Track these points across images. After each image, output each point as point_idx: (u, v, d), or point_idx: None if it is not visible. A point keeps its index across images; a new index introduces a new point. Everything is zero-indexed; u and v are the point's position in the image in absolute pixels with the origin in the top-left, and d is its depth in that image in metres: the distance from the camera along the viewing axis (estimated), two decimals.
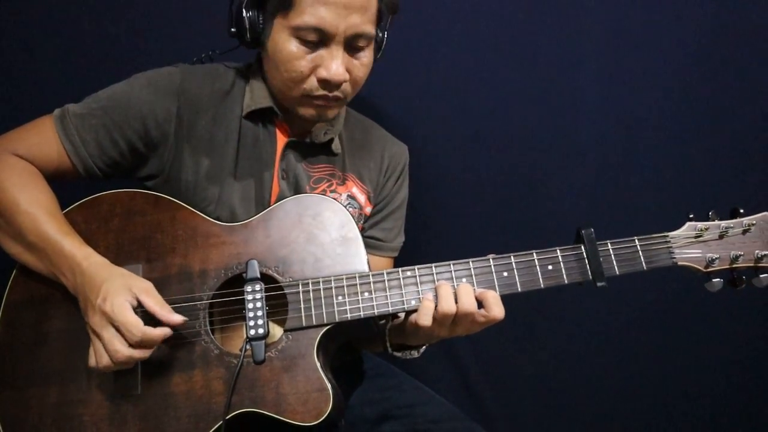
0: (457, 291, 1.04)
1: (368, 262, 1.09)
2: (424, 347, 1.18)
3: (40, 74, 1.49)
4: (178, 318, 1.02)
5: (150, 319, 1.01)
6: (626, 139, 1.66)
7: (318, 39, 1.06)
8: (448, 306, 1.03)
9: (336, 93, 1.11)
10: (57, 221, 1.07)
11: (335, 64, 1.07)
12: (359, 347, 1.34)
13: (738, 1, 1.59)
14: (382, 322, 1.16)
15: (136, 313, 0.99)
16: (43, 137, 1.13)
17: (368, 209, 1.28)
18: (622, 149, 1.66)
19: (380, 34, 1.15)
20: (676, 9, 1.60)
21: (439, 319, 1.04)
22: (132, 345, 0.98)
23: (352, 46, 1.09)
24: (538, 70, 1.62)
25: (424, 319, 1.04)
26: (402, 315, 1.13)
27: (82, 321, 1.05)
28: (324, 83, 1.09)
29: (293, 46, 1.07)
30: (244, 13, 1.09)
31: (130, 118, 1.13)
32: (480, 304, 1.04)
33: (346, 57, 1.09)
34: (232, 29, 1.12)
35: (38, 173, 1.13)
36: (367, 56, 1.12)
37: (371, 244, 1.29)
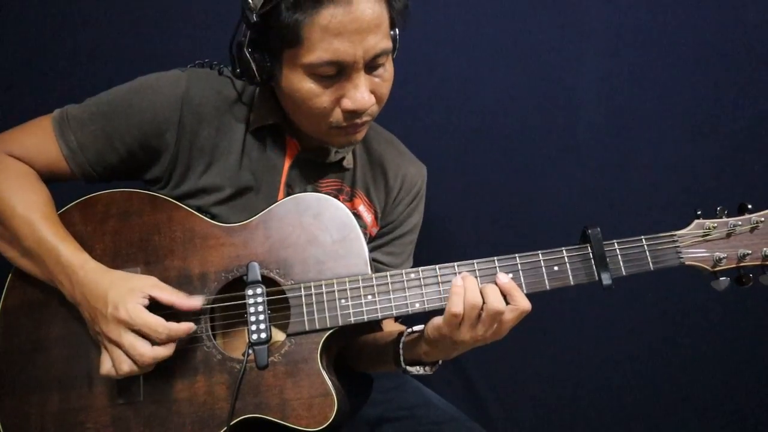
0: (482, 290, 0.97)
1: (371, 263, 1.07)
2: (437, 364, 1.10)
3: (40, 74, 1.47)
4: (197, 301, 1.02)
5: (162, 314, 1.00)
6: (629, 136, 1.64)
7: (336, 71, 0.98)
8: (474, 297, 0.96)
9: (364, 118, 1.04)
10: (53, 226, 1.05)
11: (360, 94, 0.99)
12: (367, 370, 1.28)
13: (738, 1, 1.57)
14: (397, 337, 1.10)
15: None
16: (41, 139, 1.10)
17: (374, 229, 1.22)
18: (624, 147, 1.65)
19: (393, 34, 1.05)
20: (676, 7, 1.58)
21: (465, 312, 0.96)
22: (157, 344, 0.98)
23: (371, 66, 1.00)
24: (541, 70, 1.60)
25: (456, 305, 0.96)
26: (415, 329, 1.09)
27: (82, 326, 1.05)
28: (351, 113, 1.02)
29: (310, 84, 0.99)
30: (247, 55, 1.00)
31: (131, 125, 1.08)
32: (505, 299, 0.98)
33: (368, 79, 1.01)
34: (237, 71, 1.03)
35: (34, 174, 1.10)
36: (388, 70, 1.04)
37: (375, 267, 1.22)
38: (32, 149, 1.10)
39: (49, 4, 1.45)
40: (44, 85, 1.45)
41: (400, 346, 1.09)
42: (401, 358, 1.09)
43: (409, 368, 1.10)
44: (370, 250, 1.23)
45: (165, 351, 0.99)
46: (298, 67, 0.99)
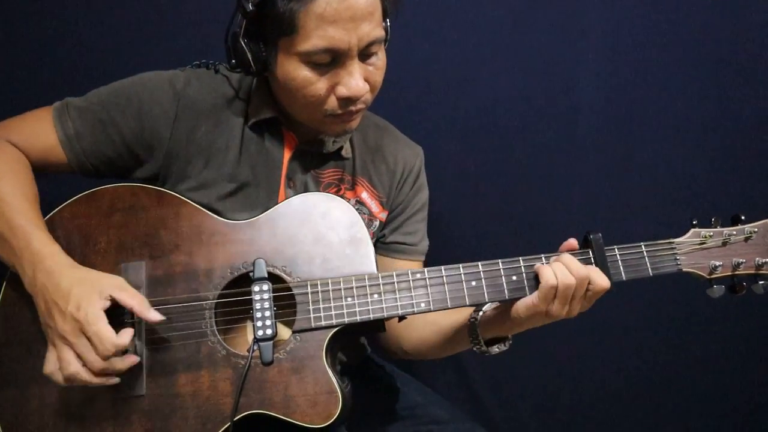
0: (562, 261, 1.01)
1: (377, 264, 1.08)
2: (511, 339, 1.12)
3: (40, 74, 1.46)
4: (156, 316, 0.99)
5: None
6: (629, 137, 1.67)
7: (331, 59, 1.01)
8: (567, 278, 0.99)
9: (359, 105, 1.07)
10: (31, 212, 1.03)
11: (354, 81, 1.02)
12: (433, 357, 1.27)
13: (738, 1, 1.60)
14: (472, 319, 1.10)
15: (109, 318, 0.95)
16: (40, 127, 1.11)
17: (382, 215, 1.24)
18: (623, 147, 1.67)
19: (385, 25, 1.08)
20: (676, 7, 1.60)
21: (559, 294, 1.00)
22: (103, 358, 0.94)
23: (365, 54, 1.03)
24: (542, 71, 1.61)
25: (550, 279, 1.00)
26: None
27: None
28: (345, 101, 1.05)
29: (305, 71, 1.01)
30: (243, 45, 1.02)
31: (128, 116, 1.11)
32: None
33: (362, 67, 1.03)
34: (233, 61, 1.05)
35: (26, 164, 1.10)
36: (381, 59, 1.07)
37: (397, 249, 1.26)
38: (31, 136, 1.11)
39: (49, 4, 1.45)
40: (44, 84, 1.45)
41: (478, 329, 1.09)
42: (481, 341, 1.10)
43: (490, 349, 1.11)
44: (388, 235, 1.27)
45: (120, 364, 0.96)
46: (293, 56, 1.01)
